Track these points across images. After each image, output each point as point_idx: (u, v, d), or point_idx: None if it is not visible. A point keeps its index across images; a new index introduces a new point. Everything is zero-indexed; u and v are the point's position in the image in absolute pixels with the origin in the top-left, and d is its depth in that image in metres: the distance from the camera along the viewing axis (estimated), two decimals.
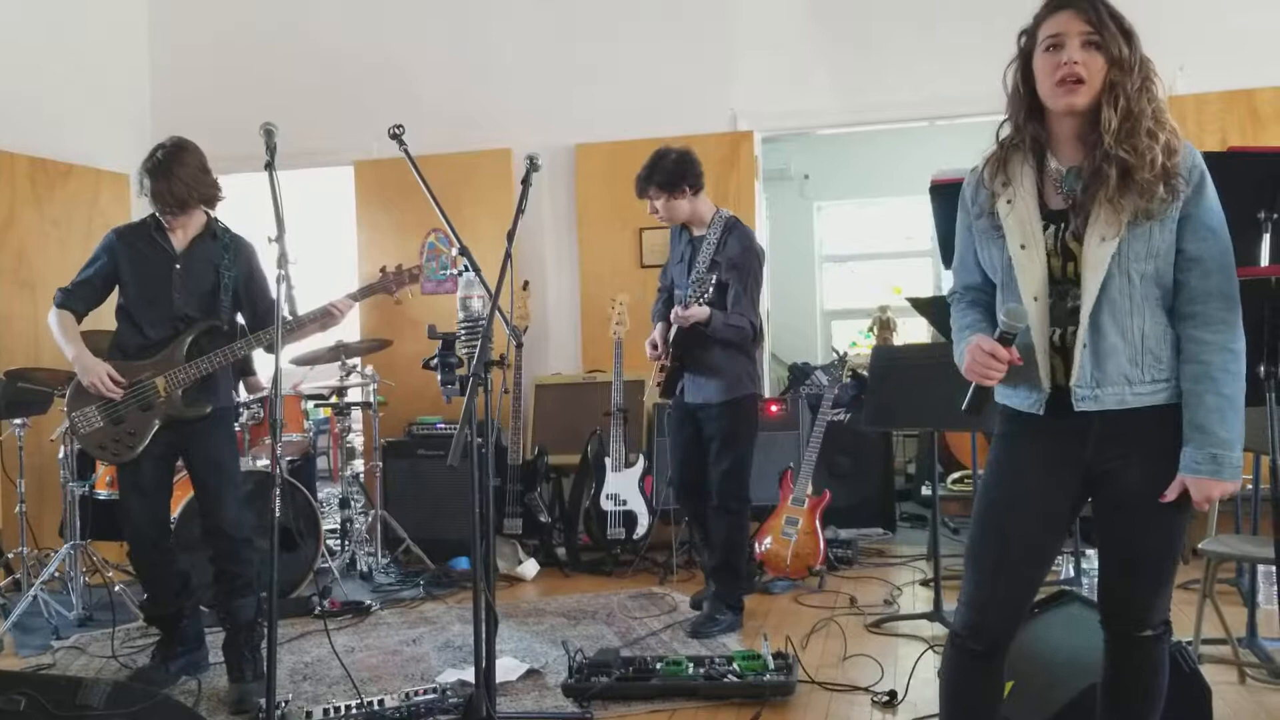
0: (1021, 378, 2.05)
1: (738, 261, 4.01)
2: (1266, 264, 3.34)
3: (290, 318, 3.35)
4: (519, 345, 4.86)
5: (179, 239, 3.53)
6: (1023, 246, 2.02)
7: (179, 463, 3.67)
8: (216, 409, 3.54)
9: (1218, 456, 1.92)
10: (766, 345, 4.25)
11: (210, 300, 3.52)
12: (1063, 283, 2.01)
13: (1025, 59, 2.03)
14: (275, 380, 2.81)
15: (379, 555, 5.27)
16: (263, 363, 4.60)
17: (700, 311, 3.94)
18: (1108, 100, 1.93)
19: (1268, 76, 5.25)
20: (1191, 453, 1.94)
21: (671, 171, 4.01)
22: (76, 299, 3.55)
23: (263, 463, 4.70)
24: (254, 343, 3.48)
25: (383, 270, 3.81)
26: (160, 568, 3.59)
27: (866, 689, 3.34)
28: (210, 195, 3.53)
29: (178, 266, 3.50)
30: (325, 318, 3.57)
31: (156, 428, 3.46)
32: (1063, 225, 2.00)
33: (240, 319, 3.60)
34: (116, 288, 3.58)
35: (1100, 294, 1.95)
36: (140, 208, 3.85)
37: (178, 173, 3.41)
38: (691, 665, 3.39)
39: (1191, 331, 1.96)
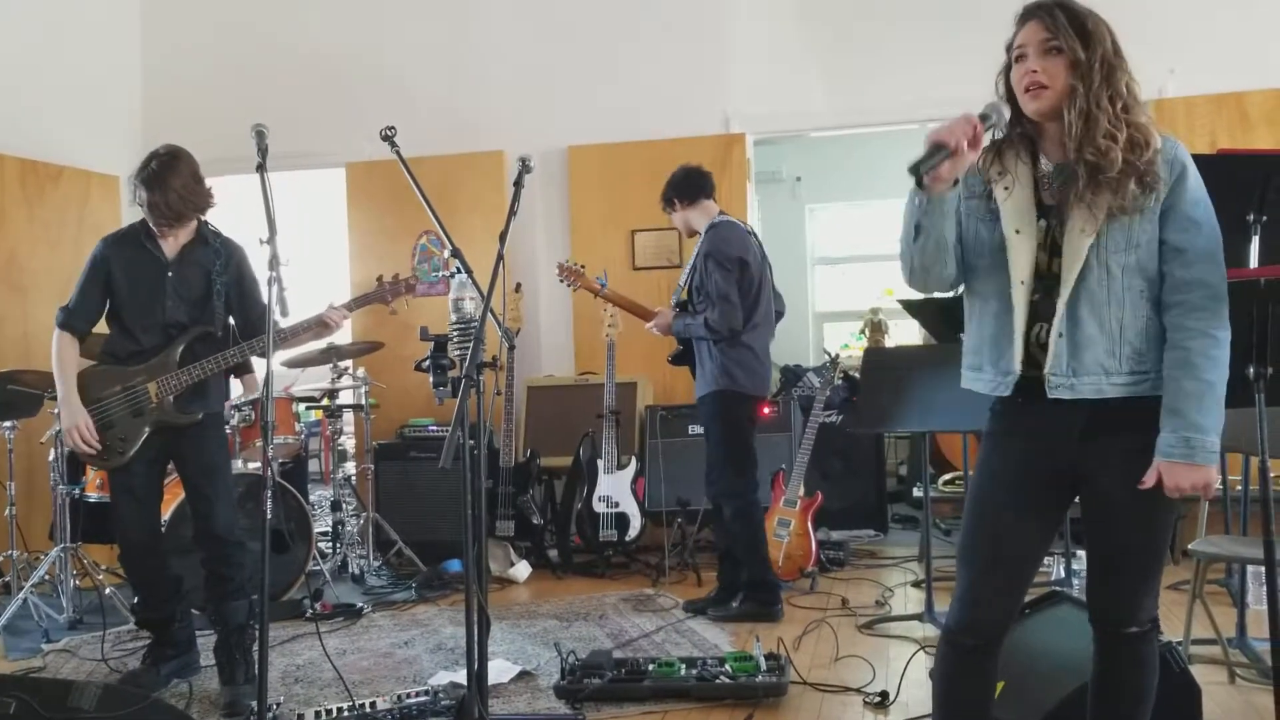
0: (988, 358, 2.08)
1: (703, 262, 4.22)
2: (1255, 265, 3.36)
3: (284, 328, 3.35)
4: (511, 347, 4.86)
5: (170, 246, 3.51)
6: (1017, 231, 2.05)
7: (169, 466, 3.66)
8: (208, 414, 3.53)
9: (1190, 440, 1.92)
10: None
11: (203, 306, 3.51)
12: (1047, 278, 2.03)
13: (1009, 69, 2.09)
14: (267, 383, 2.80)
15: (371, 558, 5.27)
16: (259, 363, 4.59)
17: (660, 320, 4.31)
18: (1068, 105, 1.97)
19: (1257, 79, 5.29)
20: (1165, 436, 1.95)
21: (667, 190, 4.38)
22: (77, 317, 3.51)
23: (254, 465, 4.69)
24: (246, 350, 3.47)
25: (379, 280, 3.80)
26: (153, 572, 3.58)
27: (858, 690, 3.35)
28: (204, 205, 3.51)
29: (170, 274, 3.48)
30: (319, 328, 3.57)
31: (147, 433, 3.45)
32: (1053, 222, 2.03)
33: (232, 323, 3.59)
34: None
35: (1079, 285, 1.98)
36: (131, 211, 3.83)
37: (172, 183, 3.38)
38: (684, 666, 3.40)
39: (1174, 319, 1.98)
